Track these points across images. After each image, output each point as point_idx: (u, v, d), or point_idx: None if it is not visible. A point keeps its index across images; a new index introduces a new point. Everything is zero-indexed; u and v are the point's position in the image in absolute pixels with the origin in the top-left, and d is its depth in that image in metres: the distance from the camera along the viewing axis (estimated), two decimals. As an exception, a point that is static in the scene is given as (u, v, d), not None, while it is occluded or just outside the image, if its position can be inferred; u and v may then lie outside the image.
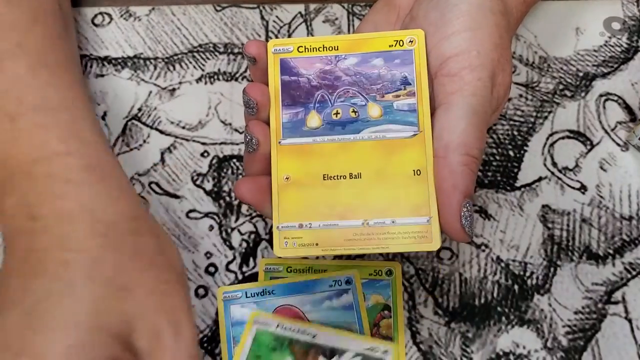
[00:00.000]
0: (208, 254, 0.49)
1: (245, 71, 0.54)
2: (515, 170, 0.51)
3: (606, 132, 0.52)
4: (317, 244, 0.40)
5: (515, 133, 0.52)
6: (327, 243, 0.40)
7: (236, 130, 0.52)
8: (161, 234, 0.40)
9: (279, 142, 0.42)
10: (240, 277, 0.48)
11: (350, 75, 0.42)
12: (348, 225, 0.40)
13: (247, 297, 0.47)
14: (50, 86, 0.41)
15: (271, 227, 0.49)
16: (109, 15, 0.55)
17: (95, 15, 0.55)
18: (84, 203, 0.37)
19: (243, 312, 0.46)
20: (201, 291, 0.48)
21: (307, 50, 0.43)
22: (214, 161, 0.51)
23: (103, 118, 0.52)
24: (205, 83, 0.53)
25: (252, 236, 0.50)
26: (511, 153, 0.52)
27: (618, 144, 0.52)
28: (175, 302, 0.38)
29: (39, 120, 0.39)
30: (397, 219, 0.39)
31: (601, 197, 0.50)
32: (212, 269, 0.49)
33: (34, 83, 0.41)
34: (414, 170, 0.40)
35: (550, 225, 0.50)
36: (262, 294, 0.47)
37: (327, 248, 0.40)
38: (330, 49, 0.43)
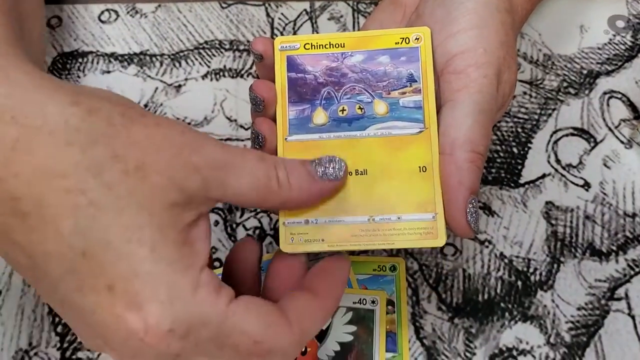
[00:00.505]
0: (213, 249, 0.49)
1: (251, 68, 0.54)
2: (519, 167, 0.51)
3: (610, 129, 0.52)
4: (323, 240, 0.40)
5: (520, 130, 0.52)
6: (333, 239, 0.40)
7: (241, 126, 0.52)
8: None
9: (285, 139, 0.42)
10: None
11: (356, 72, 0.42)
12: (354, 221, 0.40)
13: None
14: None
15: (276, 222, 0.50)
16: (116, 12, 0.56)
17: (102, 12, 0.56)
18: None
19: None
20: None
21: (313, 47, 0.43)
22: (220, 157, 0.52)
23: (109, 114, 0.53)
24: (211, 79, 0.54)
25: (257, 232, 0.50)
26: (515, 150, 0.52)
27: (622, 142, 0.52)
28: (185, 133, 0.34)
29: None
30: (403, 215, 0.40)
31: (605, 194, 0.51)
32: (217, 264, 0.49)
33: None
34: (419, 167, 0.40)
35: (553, 221, 0.50)
36: None
37: (333, 244, 0.40)
38: (337, 46, 0.43)
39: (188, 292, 0.31)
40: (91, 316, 0.31)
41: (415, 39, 0.42)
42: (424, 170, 0.40)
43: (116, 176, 0.31)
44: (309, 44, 0.43)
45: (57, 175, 0.30)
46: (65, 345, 0.47)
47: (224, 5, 0.56)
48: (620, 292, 0.48)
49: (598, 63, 0.54)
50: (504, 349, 0.47)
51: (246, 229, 0.50)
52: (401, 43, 0.42)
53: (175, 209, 0.32)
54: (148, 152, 0.32)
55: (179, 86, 0.54)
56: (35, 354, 0.46)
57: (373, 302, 0.46)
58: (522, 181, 0.51)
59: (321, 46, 0.43)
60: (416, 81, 0.42)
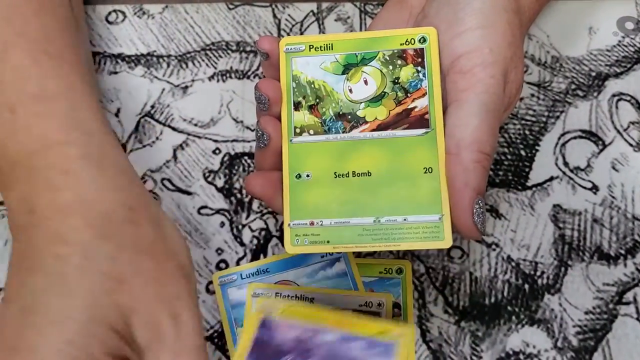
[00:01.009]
0: (219, 250, 0.49)
1: (257, 69, 0.54)
2: (527, 169, 0.51)
3: (618, 132, 0.52)
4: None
5: (527, 132, 0.52)
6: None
7: (248, 127, 0.52)
8: (163, 222, 0.39)
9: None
10: (250, 273, 0.49)
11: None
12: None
13: (242, 278, 0.47)
14: (51, 75, 0.40)
15: (282, 224, 0.49)
16: (123, 13, 0.56)
17: (109, 13, 0.56)
18: (81, 194, 0.37)
19: (240, 293, 0.47)
20: (212, 287, 0.48)
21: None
22: (226, 158, 0.52)
23: (116, 115, 0.53)
24: (218, 81, 0.54)
25: (263, 233, 0.50)
26: (523, 152, 0.51)
27: (630, 144, 0.51)
28: (174, 291, 0.37)
29: (38, 110, 0.38)
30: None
31: (613, 197, 0.50)
32: (223, 265, 0.49)
33: (34, 72, 0.40)
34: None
35: (561, 225, 0.49)
36: (256, 273, 0.47)
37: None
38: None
39: None
40: None
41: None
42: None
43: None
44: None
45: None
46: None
47: (230, 6, 0.56)
48: (629, 296, 0.48)
49: (607, 65, 0.54)
50: (511, 352, 0.46)
51: (252, 231, 0.50)
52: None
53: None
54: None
55: (186, 87, 0.53)
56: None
57: (379, 304, 0.46)
58: (529, 184, 0.51)
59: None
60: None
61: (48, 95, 0.39)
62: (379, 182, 0.40)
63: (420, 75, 0.42)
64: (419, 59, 0.42)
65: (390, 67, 0.42)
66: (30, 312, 0.34)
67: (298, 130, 0.42)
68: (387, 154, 0.41)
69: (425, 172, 0.40)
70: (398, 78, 0.42)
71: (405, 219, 0.40)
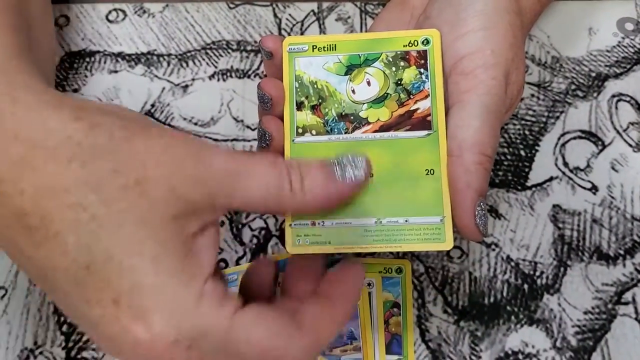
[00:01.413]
0: (219, 250, 0.49)
1: (258, 68, 0.54)
2: (527, 169, 0.51)
3: (618, 132, 0.52)
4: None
5: (527, 133, 0.52)
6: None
7: (248, 127, 0.52)
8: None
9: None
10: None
11: None
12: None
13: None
14: None
15: (282, 223, 0.49)
16: (123, 11, 0.56)
17: (110, 12, 0.55)
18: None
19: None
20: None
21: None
22: (226, 157, 0.51)
23: (116, 113, 0.52)
24: (218, 80, 0.54)
25: (263, 232, 0.50)
26: (522, 153, 0.52)
27: (630, 145, 0.52)
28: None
29: None
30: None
31: (612, 197, 0.50)
32: (222, 265, 0.49)
33: None
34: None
35: (560, 225, 0.50)
36: None
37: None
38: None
39: (191, 304, 0.31)
40: (100, 327, 0.31)
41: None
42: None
43: (115, 191, 0.31)
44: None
45: (60, 190, 0.31)
46: (71, 344, 0.47)
47: (231, 5, 0.56)
48: (627, 296, 0.48)
49: (607, 66, 0.54)
50: (510, 352, 0.46)
51: (252, 230, 0.50)
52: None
53: (177, 221, 0.32)
54: (148, 165, 0.32)
55: (186, 86, 0.53)
56: (41, 352, 0.46)
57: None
58: (529, 184, 0.51)
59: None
60: (356, 339, 0.42)
61: None
62: (381, 183, 0.40)
63: (423, 77, 0.42)
64: (422, 61, 0.42)
65: (393, 68, 0.42)
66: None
67: (300, 130, 0.42)
68: (389, 155, 0.41)
69: (427, 174, 0.40)
70: (401, 79, 0.42)
71: (406, 221, 0.40)
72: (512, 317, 0.47)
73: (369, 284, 0.47)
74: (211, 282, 0.32)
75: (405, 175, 0.40)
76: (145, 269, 0.31)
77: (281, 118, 0.42)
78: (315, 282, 0.38)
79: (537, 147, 0.52)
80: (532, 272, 0.48)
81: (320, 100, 0.42)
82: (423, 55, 0.42)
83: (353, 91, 0.42)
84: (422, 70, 0.42)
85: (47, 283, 0.32)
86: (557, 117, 0.53)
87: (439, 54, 0.42)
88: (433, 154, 0.40)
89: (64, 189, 0.30)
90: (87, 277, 0.31)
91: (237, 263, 0.49)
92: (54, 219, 0.30)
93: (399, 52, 0.42)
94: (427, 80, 0.42)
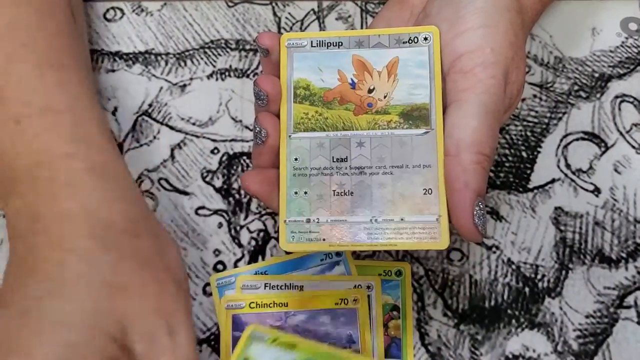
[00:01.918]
0: (216, 252, 0.49)
1: (257, 68, 0.53)
2: (528, 171, 0.50)
3: (621, 134, 0.51)
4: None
5: (529, 134, 0.51)
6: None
7: (247, 127, 0.52)
8: (162, 235, 0.40)
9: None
10: (248, 274, 0.48)
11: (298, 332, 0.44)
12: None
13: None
14: (56, 87, 0.41)
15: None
16: (121, 10, 0.55)
17: (107, 10, 0.55)
18: (84, 204, 0.37)
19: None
20: (209, 289, 0.48)
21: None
22: (224, 158, 0.51)
23: (113, 113, 0.52)
24: (217, 79, 0.53)
25: (261, 234, 0.49)
26: (524, 154, 0.51)
27: (633, 146, 0.51)
28: (172, 306, 0.37)
29: (44, 123, 0.39)
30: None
31: (615, 200, 0.49)
32: (220, 267, 0.48)
33: (39, 85, 0.40)
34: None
35: (562, 227, 0.49)
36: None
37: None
38: (280, 305, 0.45)
39: None
40: None
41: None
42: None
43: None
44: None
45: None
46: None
47: (230, 4, 0.55)
48: (630, 300, 0.47)
49: (610, 66, 0.53)
50: (511, 356, 0.46)
51: (250, 232, 0.49)
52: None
53: None
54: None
55: (184, 86, 0.53)
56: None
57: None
58: (531, 186, 0.50)
59: (265, 305, 0.45)
60: (355, 342, 0.43)
61: (53, 109, 0.40)
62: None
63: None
64: None
65: None
66: (28, 315, 0.34)
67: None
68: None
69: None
70: None
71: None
72: (513, 321, 0.47)
73: (368, 287, 0.46)
74: None
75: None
76: None
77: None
78: None
79: (539, 149, 0.51)
80: (533, 275, 0.48)
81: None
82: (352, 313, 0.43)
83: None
84: None
85: None
86: (560, 118, 0.52)
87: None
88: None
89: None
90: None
91: (235, 265, 0.48)
92: None
93: None
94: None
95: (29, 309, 0.34)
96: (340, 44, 0.43)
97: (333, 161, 0.41)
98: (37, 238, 0.36)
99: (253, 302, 0.45)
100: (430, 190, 0.39)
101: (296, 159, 0.41)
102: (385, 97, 0.41)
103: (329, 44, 0.43)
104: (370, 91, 0.41)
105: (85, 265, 0.35)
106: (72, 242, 0.36)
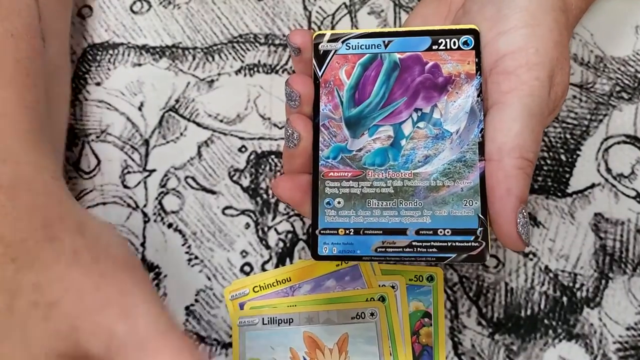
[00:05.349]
0: (244, 253, 0.47)
1: (287, 64, 0.52)
2: (567, 175, 0.49)
3: (665, 137, 0.49)
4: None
5: (568, 136, 0.50)
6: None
7: (275, 125, 0.50)
8: (87, 226, 0.36)
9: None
10: (275, 278, 0.47)
11: None
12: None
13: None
14: None
15: (309, 227, 0.47)
16: (148, 2, 0.54)
17: (134, 2, 0.54)
18: None
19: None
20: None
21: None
22: (252, 157, 0.50)
23: (139, 109, 0.51)
24: (245, 75, 0.52)
25: (290, 236, 0.48)
26: (563, 157, 0.49)
27: (678, 151, 0.49)
28: (115, 289, 0.34)
29: None
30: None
31: (658, 206, 0.48)
32: (247, 269, 0.47)
33: None
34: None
35: (602, 234, 0.47)
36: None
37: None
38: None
39: None
40: None
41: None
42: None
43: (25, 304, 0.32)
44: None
45: None
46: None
47: (260, -3, 0.54)
48: (674, 312, 0.45)
49: (654, 67, 0.51)
50: (547, 368, 0.44)
51: (278, 233, 0.48)
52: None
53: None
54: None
55: (212, 81, 0.52)
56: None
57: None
58: (569, 191, 0.48)
59: (269, 285, 0.46)
60: None
61: None
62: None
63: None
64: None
65: None
66: None
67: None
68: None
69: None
70: None
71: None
72: (550, 331, 0.45)
73: (392, 287, 0.45)
74: None
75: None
76: None
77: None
78: None
79: (578, 152, 0.49)
80: (571, 284, 0.46)
81: None
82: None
83: None
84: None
85: None
86: (600, 121, 0.50)
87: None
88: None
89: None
90: None
91: (263, 268, 0.47)
92: None
93: None
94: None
95: None
96: (291, 320, 0.44)
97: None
98: None
99: (257, 286, 0.46)
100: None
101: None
102: None
103: (279, 321, 0.44)
104: None
105: (9, 297, 0.33)
106: None
